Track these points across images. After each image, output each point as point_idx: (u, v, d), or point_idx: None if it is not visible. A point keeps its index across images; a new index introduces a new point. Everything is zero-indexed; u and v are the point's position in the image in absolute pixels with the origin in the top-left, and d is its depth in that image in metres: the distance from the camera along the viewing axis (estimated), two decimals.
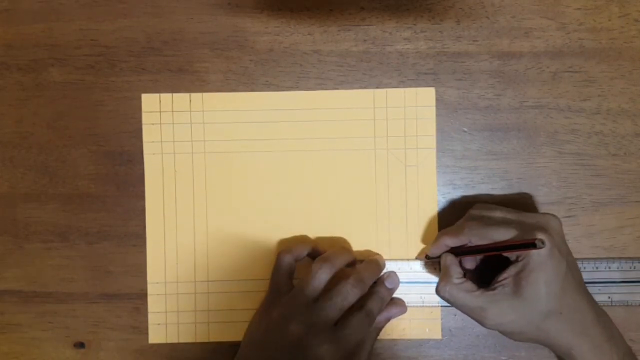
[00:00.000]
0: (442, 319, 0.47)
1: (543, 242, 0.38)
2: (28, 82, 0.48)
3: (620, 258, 0.46)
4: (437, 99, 0.47)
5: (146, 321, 0.47)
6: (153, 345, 0.47)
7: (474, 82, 0.47)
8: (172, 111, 0.47)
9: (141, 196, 0.47)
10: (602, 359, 0.40)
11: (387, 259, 0.46)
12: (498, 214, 0.42)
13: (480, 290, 0.41)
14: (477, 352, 0.47)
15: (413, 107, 0.47)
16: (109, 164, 0.48)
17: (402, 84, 0.47)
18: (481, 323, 0.41)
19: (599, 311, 0.42)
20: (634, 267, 0.46)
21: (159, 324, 0.47)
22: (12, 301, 0.48)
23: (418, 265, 0.46)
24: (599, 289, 0.46)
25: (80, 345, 0.47)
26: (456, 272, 0.42)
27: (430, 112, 0.47)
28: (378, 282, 0.45)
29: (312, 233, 0.47)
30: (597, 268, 0.46)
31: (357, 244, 0.47)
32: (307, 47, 0.47)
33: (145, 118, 0.48)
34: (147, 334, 0.47)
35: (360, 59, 0.47)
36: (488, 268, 0.43)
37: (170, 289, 0.47)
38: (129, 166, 0.48)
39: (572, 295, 0.40)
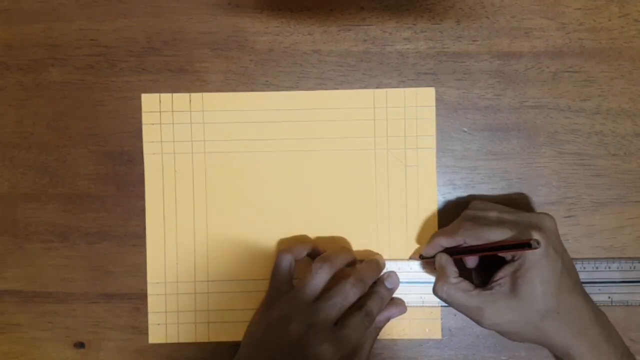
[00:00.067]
0: (442, 319, 0.47)
1: (538, 242, 0.38)
2: (28, 82, 0.48)
3: (620, 258, 0.46)
4: (437, 99, 0.47)
5: (146, 321, 0.47)
6: (153, 345, 0.47)
7: (474, 82, 0.47)
8: (172, 111, 0.47)
9: (141, 196, 0.47)
10: (601, 359, 0.40)
11: (387, 259, 0.46)
12: (493, 213, 0.42)
13: (477, 289, 0.41)
14: (477, 352, 0.47)
15: (413, 107, 0.47)
16: (109, 164, 0.48)
17: (402, 84, 0.47)
18: (479, 323, 0.41)
19: (597, 311, 0.41)
20: (634, 267, 0.46)
21: (159, 324, 0.47)
22: (12, 301, 0.48)
23: (418, 265, 0.46)
24: (599, 289, 0.46)
25: (80, 345, 0.47)
26: (452, 271, 0.42)
27: (430, 112, 0.47)
28: (378, 282, 0.45)
29: (312, 233, 0.47)
30: (597, 268, 0.46)
31: (357, 244, 0.47)
32: (307, 47, 0.47)
33: (145, 118, 0.48)
34: (147, 334, 0.47)
35: (360, 59, 0.47)
36: (485, 267, 0.43)
37: (170, 289, 0.47)
38: (129, 166, 0.48)
39: (569, 294, 0.40)
